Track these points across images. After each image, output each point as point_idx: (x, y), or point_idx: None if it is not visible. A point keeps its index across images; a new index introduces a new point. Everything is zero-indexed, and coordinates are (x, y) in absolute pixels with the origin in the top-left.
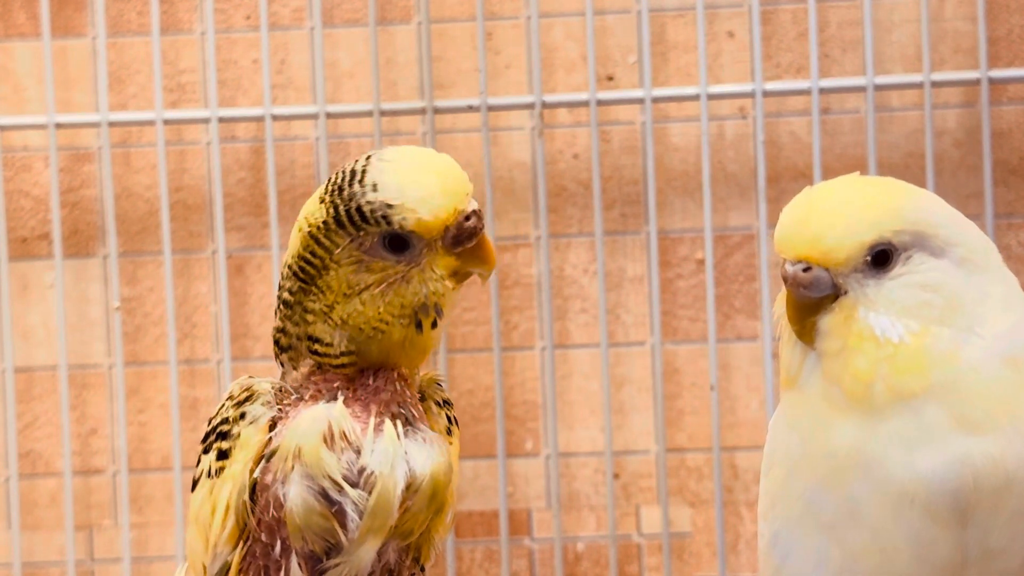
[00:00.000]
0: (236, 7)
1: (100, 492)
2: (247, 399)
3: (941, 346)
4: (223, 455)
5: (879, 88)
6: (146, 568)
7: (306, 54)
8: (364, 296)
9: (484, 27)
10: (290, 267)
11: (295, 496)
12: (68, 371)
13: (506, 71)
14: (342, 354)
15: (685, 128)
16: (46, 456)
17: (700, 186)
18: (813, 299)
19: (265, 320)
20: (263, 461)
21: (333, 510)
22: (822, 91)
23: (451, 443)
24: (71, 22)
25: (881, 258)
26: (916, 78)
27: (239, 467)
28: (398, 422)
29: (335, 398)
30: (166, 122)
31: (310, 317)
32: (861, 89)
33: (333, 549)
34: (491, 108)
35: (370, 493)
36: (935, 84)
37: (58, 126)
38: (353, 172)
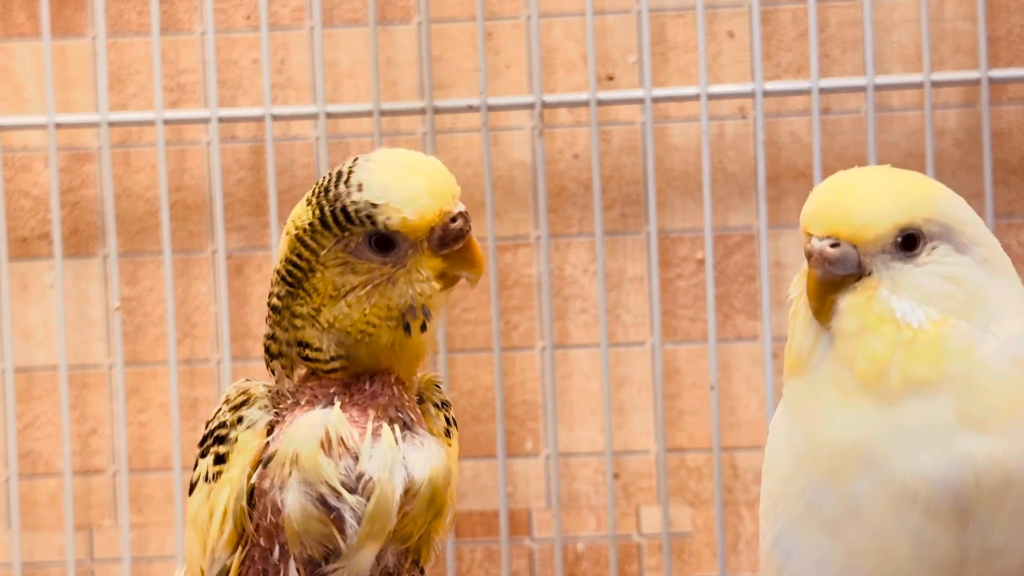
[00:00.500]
0: (236, 7)
1: (100, 492)
2: (244, 403)
3: (958, 338)
4: (220, 459)
5: (879, 88)
6: (146, 568)
7: (306, 54)
8: (350, 298)
9: (484, 27)
10: (278, 271)
11: (293, 502)
12: (68, 371)
13: (506, 71)
14: (332, 359)
15: (685, 128)
16: (46, 456)
17: (700, 186)
18: (837, 277)
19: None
20: (260, 466)
21: (331, 516)
22: (822, 91)
23: (450, 444)
24: (71, 22)
25: (909, 243)
26: (916, 78)
27: (237, 472)
28: (396, 427)
29: (332, 403)
30: (166, 122)
31: (298, 322)
32: (861, 89)
33: (332, 554)
34: (491, 108)
35: (368, 499)
36: (935, 84)
37: (58, 126)
38: (340, 173)
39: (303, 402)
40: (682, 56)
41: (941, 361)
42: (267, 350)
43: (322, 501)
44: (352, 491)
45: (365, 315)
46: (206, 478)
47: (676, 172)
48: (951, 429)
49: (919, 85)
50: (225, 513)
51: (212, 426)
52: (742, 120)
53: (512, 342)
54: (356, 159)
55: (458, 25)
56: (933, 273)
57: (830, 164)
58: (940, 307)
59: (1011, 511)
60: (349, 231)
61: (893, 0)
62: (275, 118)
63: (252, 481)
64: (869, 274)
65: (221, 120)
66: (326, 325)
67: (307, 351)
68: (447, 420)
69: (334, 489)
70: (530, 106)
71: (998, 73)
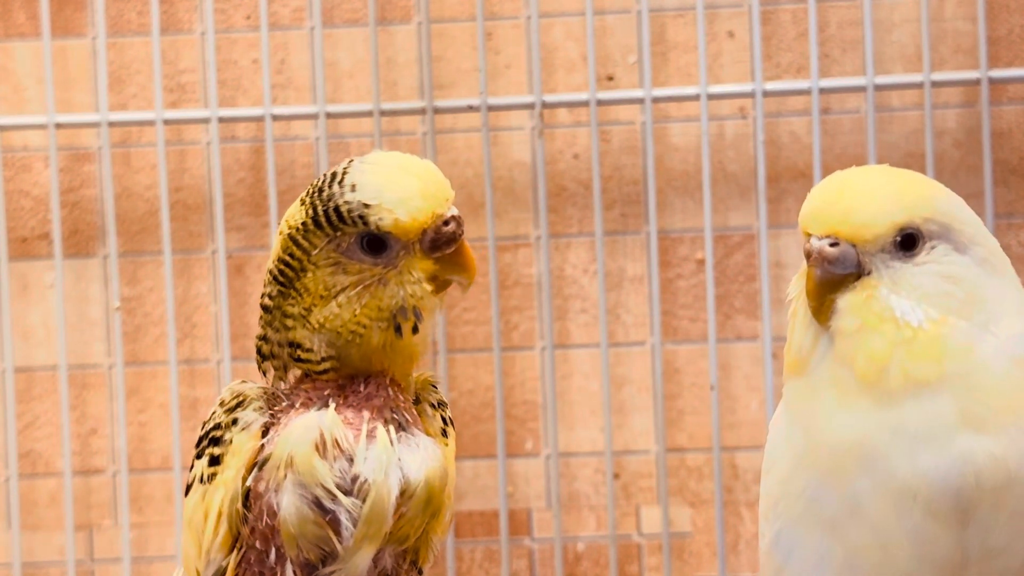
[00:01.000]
0: (236, 7)
1: (100, 492)
2: (238, 405)
3: (958, 338)
4: (215, 461)
5: (879, 88)
6: (146, 568)
7: (306, 54)
8: (340, 299)
9: (484, 27)
10: (270, 271)
11: (288, 505)
12: (68, 371)
13: (506, 71)
14: (323, 360)
15: (685, 128)
16: (46, 456)
17: (700, 186)
18: (836, 276)
19: None
20: (255, 469)
21: (327, 519)
22: (822, 91)
23: (447, 444)
24: (71, 22)
25: (908, 242)
26: (916, 78)
27: (231, 474)
28: (391, 428)
29: (326, 405)
30: (166, 122)
31: (289, 322)
32: (861, 89)
33: (328, 557)
34: (491, 108)
35: (364, 501)
36: (935, 84)
37: (58, 126)
38: (334, 174)
39: (298, 404)
40: (682, 56)
41: (941, 360)
42: (259, 351)
43: (317, 504)
44: (347, 493)
45: (355, 315)
46: (201, 479)
47: (676, 172)
48: (951, 428)
49: (919, 85)
50: (220, 515)
51: (207, 428)
52: (742, 120)
53: (512, 342)
54: (351, 160)
55: (458, 25)
56: (932, 272)
57: (830, 164)
58: (940, 306)
59: (1011, 511)
60: (341, 231)
61: (893, 0)
62: (275, 118)
63: (248, 484)
64: (868, 273)
65: (221, 120)
66: (317, 325)
67: (298, 352)
68: (444, 420)
69: (329, 491)
70: (530, 106)
71: (998, 73)
